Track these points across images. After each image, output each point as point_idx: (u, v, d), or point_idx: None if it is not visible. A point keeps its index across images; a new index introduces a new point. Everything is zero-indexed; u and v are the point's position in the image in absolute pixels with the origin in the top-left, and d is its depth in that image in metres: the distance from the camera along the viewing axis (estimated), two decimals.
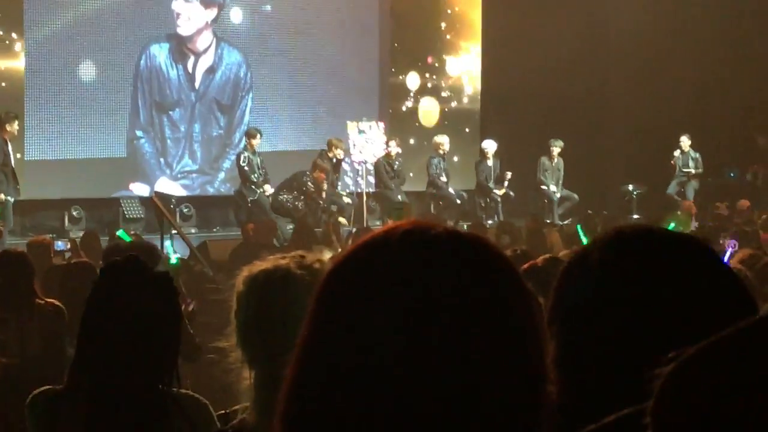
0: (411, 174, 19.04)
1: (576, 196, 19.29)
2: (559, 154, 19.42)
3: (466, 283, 1.31)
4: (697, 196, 19.26)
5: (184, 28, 18.40)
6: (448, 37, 21.89)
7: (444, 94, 21.78)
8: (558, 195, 19.12)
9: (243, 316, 2.64)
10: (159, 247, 8.34)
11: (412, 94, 21.33)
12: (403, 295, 1.29)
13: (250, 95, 19.21)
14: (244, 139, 17.48)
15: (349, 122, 18.31)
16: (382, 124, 18.78)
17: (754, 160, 20.76)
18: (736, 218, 15.35)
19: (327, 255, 9.41)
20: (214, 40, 18.79)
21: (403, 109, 21.19)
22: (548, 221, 17.36)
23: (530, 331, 1.33)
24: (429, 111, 20.61)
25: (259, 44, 19.26)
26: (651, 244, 1.62)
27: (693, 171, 19.51)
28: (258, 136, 16.86)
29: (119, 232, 12.64)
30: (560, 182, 19.42)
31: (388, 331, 1.28)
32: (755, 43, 20.09)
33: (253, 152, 16.69)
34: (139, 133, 18.11)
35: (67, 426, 2.94)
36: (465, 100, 22.06)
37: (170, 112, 18.45)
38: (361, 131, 18.33)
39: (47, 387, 3.05)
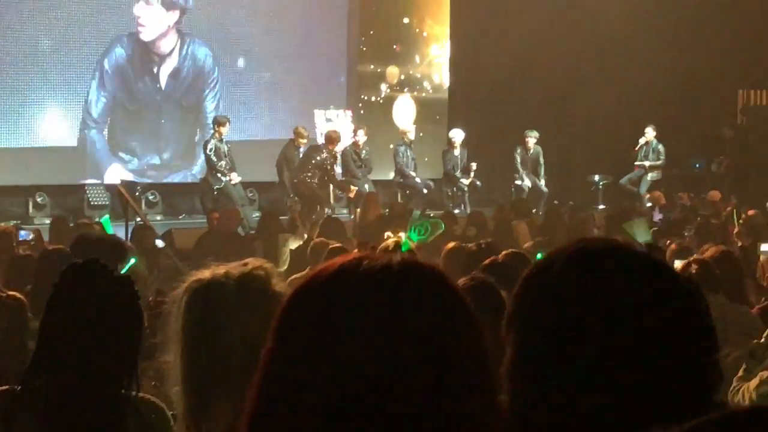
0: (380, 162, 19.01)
1: (545, 190, 19.23)
2: (536, 144, 19.37)
3: (420, 316, 1.37)
4: (660, 188, 19.30)
5: (145, 34, 18.26)
6: (416, 25, 21.84)
7: (412, 82, 21.76)
8: (528, 185, 18.99)
9: (183, 326, 2.62)
10: (125, 241, 8.27)
11: (383, 86, 21.29)
12: (361, 328, 1.35)
13: (218, 91, 19.09)
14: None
15: (316, 111, 18.29)
16: (349, 113, 18.76)
17: (721, 152, 20.89)
18: (702, 210, 15.41)
19: (294, 244, 9.38)
20: (179, 41, 18.65)
21: (372, 98, 21.14)
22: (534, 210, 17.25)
23: (479, 358, 1.42)
24: (405, 111, 20.50)
25: (225, 33, 19.14)
26: (612, 262, 1.62)
27: (648, 164, 19.53)
28: (227, 123, 16.72)
29: (103, 219, 12.54)
30: (541, 173, 19.38)
31: (348, 362, 1.33)
32: (722, 35, 20.18)
33: (221, 140, 16.59)
34: (93, 126, 18.00)
35: (23, 427, 2.92)
36: (433, 89, 22.04)
37: (134, 109, 18.35)
38: (328, 119, 18.31)
39: (3, 387, 3.03)
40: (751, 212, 13.14)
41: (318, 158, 16.95)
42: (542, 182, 19.19)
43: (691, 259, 6.09)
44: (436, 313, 1.40)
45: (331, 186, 17.68)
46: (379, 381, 1.34)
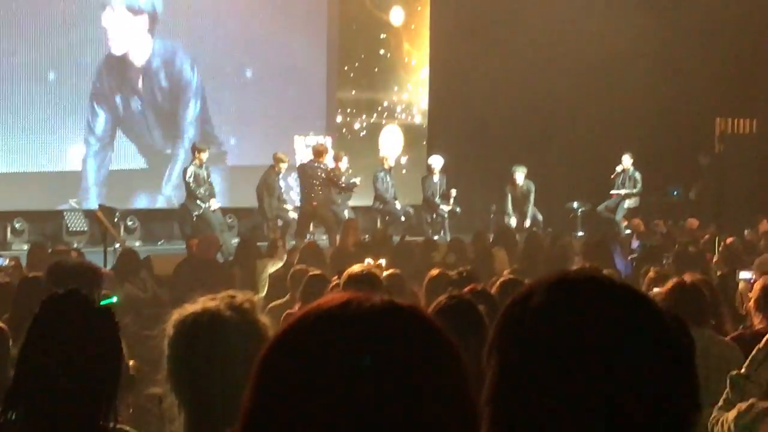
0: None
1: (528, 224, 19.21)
2: (526, 178, 19.28)
3: (404, 356, 1.40)
4: (638, 215, 19.37)
5: (115, 47, 18.27)
6: (396, 53, 21.93)
7: (392, 109, 21.82)
8: (513, 224, 18.91)
9: (173, 360, 2.62)
10: (100, 267, 8.22)
11: (363, 113, 21.36)
12: (344, 370, 1.36)
13: (198, 101, 19.10)
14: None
15: (296, 137, 18.30)
16: (329, 139, 18.78)
17: (697, 179, 21.01)
18: (679, 237, 15.45)
19: (272, 267, 9.35)
20: (153, 50, 18.63)
21: (352, 125, 21.20)
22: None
23: (462, 394, 1.45)
24: (393, 139, 20.51)
25: (204, 60, 19.16)
26: (592, 295, 1.63)
27: (623, 192, 19.57)
28: (206, 150, 16.70)
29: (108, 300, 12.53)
30: (529, 209, 19.21)
31: (331, 404, 1.35)
32: (699, 63, 20.31)
33: (200, 166, 16.56)
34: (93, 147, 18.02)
35: None
36: (412, 115, 22.10)
37: (121, 126, 18.36)
38: (308, 146, 18.32)
39: None
40: (729, 240, 13.19)
41: (314, 174, 17.24)
42: (528, 219, 19.09)
43: (674, 283, 6.06)
44: (422, 358, 1.42)
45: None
46: (365, 427, 1.35)
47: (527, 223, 18.92)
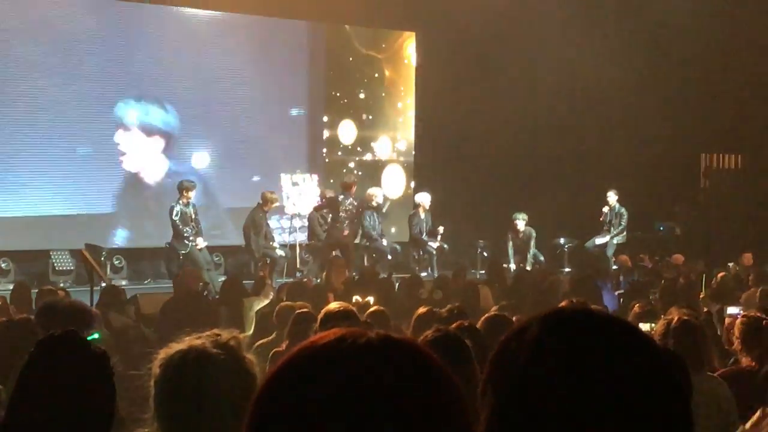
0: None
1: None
2: (527, 225, 19.28)
3: (403, 391, 1.38)
4: (625, 250, 19.40)
5: (128, 163, 18.49)
6: (383, 91, 22.02)
7: (378, 146, 21.89)
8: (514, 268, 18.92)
9: (160, 399, 2.61)
10: (91, 308, 8.18)
11: (346, 146, 21.43)
12: (340, 407, 1.34)
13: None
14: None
15: (282, 175, 18.31)
16: (315, 177, 18.80)
17: (675, 224, 21.19)
18: (665, 272, 15.47)
19: (258, 305, 9.29)
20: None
21: (338, 162, 21.25)
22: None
23: (461, 425, 1.44)
24: (395, 179, 20.52)
25: (189, 97, 19.19)
26: (587, 328, 1.62)
27: (609, 237, 19.54)
28: (193, 188, 16.67)
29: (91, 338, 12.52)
30: (528, 255, 19.23)
31: None
32: (684, 99, 20.46)
33: (187, 204, 16.53)
34: None
35: None
36: (399, 153, 22.17)
37: None
38: (294, 183, 18.32)
39: None
40: (721, 274, 13.21)
41: (345, 206, 17.79)
42: (529, 264, 19.09)
43: (666, 322, 6.06)
44: (421, 392, 1.41)
45: (298, 249, 17.78)
46: None
47: (528, 267, 18.89)
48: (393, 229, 19.85)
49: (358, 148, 21.64)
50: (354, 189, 18.15)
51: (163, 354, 2.67)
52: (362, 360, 1.39)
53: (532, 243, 19.20)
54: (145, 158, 18.84)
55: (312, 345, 1.43)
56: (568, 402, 1.54)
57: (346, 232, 17.79)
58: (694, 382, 5.41)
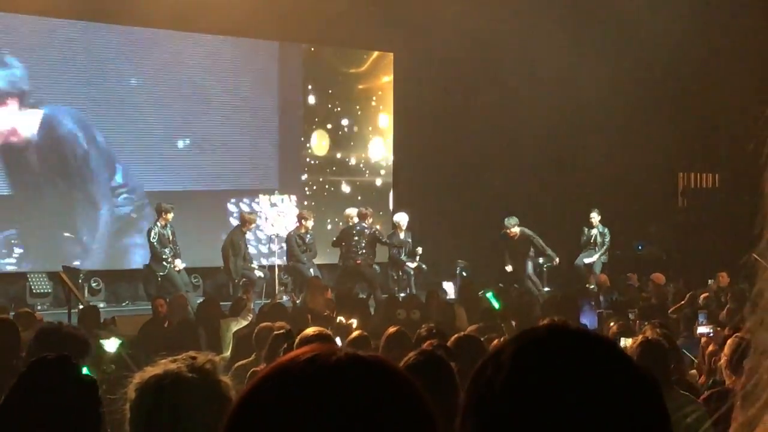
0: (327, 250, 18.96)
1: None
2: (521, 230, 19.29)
3: (372, 410, 1.38)
4: (605, 269, 19.48)
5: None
6: (361, 111, 22.06)
7: (356, 167, 21.91)
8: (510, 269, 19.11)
9: (135, 423, 2.59)
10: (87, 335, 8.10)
11: (324, 167, 21.44)
12: (311, 428, 1.34)
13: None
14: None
15: (261, 195, 18.30)
16: (294, 198, 18.79)
17: (651, 242, 21.28)
18: (644, 292, 15.51)
19: (235, 327, 9.25)
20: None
21: (317, 183, 21.26)
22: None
23: None
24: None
25: (166, 114, 19.17)
26: (563, 347, 1.61)
27: (599, 249, 19.62)
28: (171, 211, 16.62)
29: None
30: (529, 264, 19.34)
31: None
32: (662, 119, 20.56)
33: (165, 226, 16.49)
34: None
35: None
36: (376, 173, 22.19)
37: None
38: (273, 204, 18.32)
39: None
40: (704, 295, 13.24)
41: (361, 234, 18.07)
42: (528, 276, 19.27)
43: (641, 340, 6.08)
44: (391, 410, 1.40)
45: (276, 270, 17.77)
46: None
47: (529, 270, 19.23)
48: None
49: (335, 168, 21.64)
50: (369, 219, 18.40)
51: (138, 378, 2.65)
52: (331, 380, 1.38)
53: (537, 241, 19.22)
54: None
55: (282, 366, 1.42)
56: (550, 424, 1.53)
57: (358, 261, 18.01)
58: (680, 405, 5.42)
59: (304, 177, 21.16)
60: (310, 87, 21.28)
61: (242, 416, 1.39)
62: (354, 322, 10.72)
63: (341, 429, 1.34)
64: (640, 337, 6.19)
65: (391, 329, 7.21)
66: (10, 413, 2.94)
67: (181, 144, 19.46)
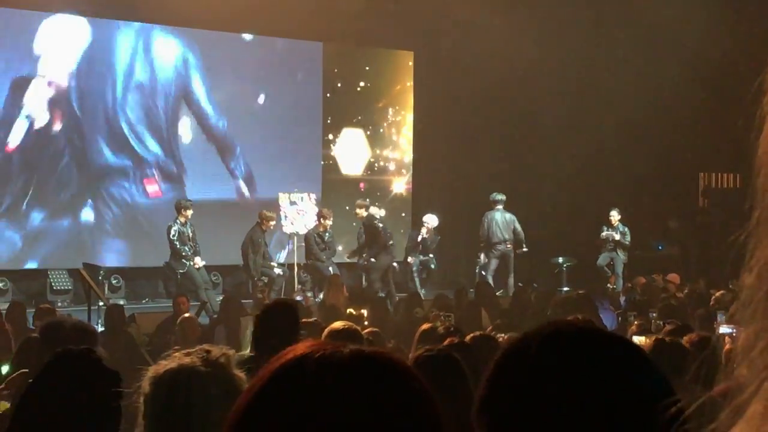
0: (340, 247, 18.96)
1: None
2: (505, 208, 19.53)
3: (375, 404, 1.37)
4: (626, 269, 19.46)
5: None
6: (382, 110, 22.05)
7: (376, 166, 21.91)
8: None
9: (149, 417, 2.59)
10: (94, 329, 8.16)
11: (344, 165, 21.46)
12: (317, 424, 1.33)
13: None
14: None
15: (281, 194, 18.30)
16: (314, 196, 18.79)
17: (670, 241, 21.15)
18: (663, 292, 15.48)
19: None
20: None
21: (335, 181, 21.28)
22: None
23: None
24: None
25: (184, 115, 19.24)
26: (588, 346, 1.61)
27: (618, 238, 19.59)
28: (190, 207, 16.65)
29: None
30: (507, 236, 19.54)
31: None
32: (683, 118, 20.49)
33: (184, 224, 16.51)
34: None
35: None
36: (398, 173, 22.19)
37: None
38: (292, 202, 18.31)
39: None
40: (719, 293, 13.20)
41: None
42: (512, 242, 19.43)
43: (659, 337, 6.07)
44: (394, 405, 1.39)
45: (296, 269, 17.82)
46: None
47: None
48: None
49: (357, 167, 21.65)
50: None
51: (152, 371, 2.65)
52: (336, 377, 1.38)
53: (517, 226, 19.38)
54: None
55: (285, 362, 1.41)
56: (570, 421, 1.53)
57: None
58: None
59: (323, 176, 21.15)
60: (328, 85, 21.27)
61: (245, 412, 1.40)
62: (364, 312, 10.72)
63: (346, 426, 1.34)
64: (654, 337, 6.19)
65: (425, 326, 7.21)
66: (35, 403, 2.95)
67: (196, 143, 19.53)
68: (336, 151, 21.18)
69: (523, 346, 1.63)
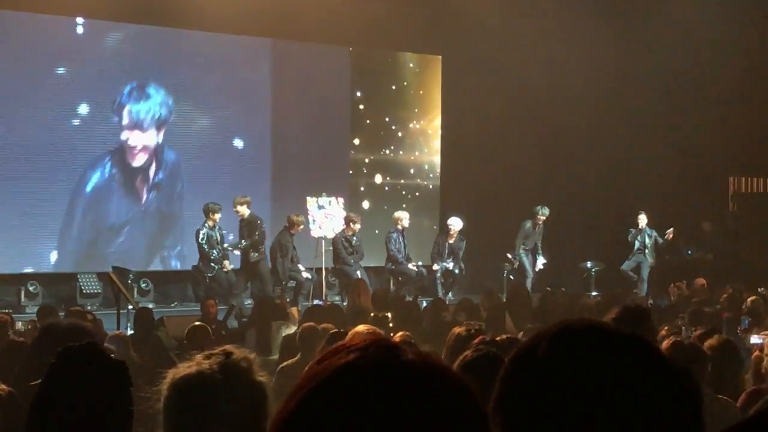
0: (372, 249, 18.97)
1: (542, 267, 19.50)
2: (544, 222, 19.67)
3: (432, 417, 1.37)
4: (653, 274, 19.38)
5: (138, 159, 18.54)
6: (409, 115, 22.05)
7: (404, 170, 21.91)
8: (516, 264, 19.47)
9: (169, 421, 2.60)
10: (92, 331, 8.19)
11: (372, 169, 21.47)
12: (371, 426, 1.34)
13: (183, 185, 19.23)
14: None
15: (308, 197, 18.33)
16: (341, 200, 18.81)
17: (702, 245, 21.02)
18: (694, 297, 15.38)
19: (286, 331, 9.27)
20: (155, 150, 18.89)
21: (362, 186, 21.30)
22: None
23: None
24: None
25: (214, 121, 19.29)
26: (598, 342, 1.62)
27: (648, 252, 19.52)
28: (218, 211, 16.68)
29: None
30: (539, 249, 19.67)
31: None
32: (712, 122, 20.39)
33: (213, 227, 16.57)
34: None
35: None
36: (425, 176, 22.18)
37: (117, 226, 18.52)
38: (320, 206, 18.34)
39: None
40: (751, 299, 13.13)
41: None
42: (540, 262, 19.43)
43: (677, 340, 6.06)
44: (449, 416, 1.40)
45: (324, 273, 17.86)
46: None
47: (539, 265, 19.56)
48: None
49: (382, 171, 21.65)
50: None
51: (171, 375, 2.66)
52: (398, 381, 1.38)
53: (539, 244, 19.59)
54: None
55: (348, 364, 1.41)
56: (580, 416, 1.54)
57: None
58: (712, 405, 5.38)
59: (352, 179, 21.18)
60: (357, 89, 21.29)
61: (304, 415, 1.38)
62: (389, 314, 10.72)
63: (401, 428, 1.34)
64: (672, 339, 6.18)
65: (458, 329, 7.19)
66: (46, 403, 2.98)
67: (240, 143, 19.62)
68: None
69: (533, 345, 1.64)
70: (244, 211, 17.03)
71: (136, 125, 18.50)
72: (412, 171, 22.08)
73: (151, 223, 18.76)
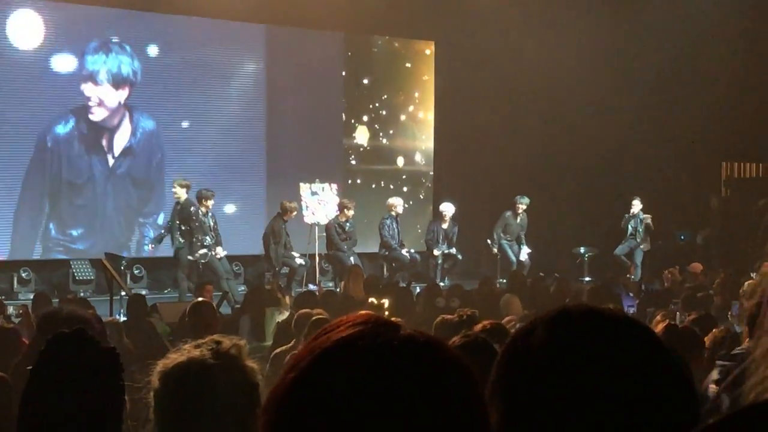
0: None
1: (526, 258, 19.45)
2: (524, 211, 19.65)
3: (436, 389, 1.38)
4: (646, 259, 19.40)
5: (97, 114, 18.36)
6: (403, 99, 22.03)
7: (397, 156, 21.90)
8: (514, 254, 19.42)
9: (160, 412, 2.59)
10: (93, 319, 8.18)
11: (365, 155, 21.45)
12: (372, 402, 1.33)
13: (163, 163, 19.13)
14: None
15: (301, 184, 18.31)
16: (335, 186, 18.79)
17: (707, 222, 20.99)
18: (687, 282, 15.39)
19: (279, 317, 9.28)
20: (127, 113, 18.74)
21: (357, 171, 21.29)
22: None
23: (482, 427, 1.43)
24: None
25: (201, 102, 19.25)
26: (595, 327, 1.62)
27: (639, 238, 19.55)
28: (211, 197, 16.63)
29: None
30: (522, 239, 19.64)
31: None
32: (705, 107, 20.39)
33: (206, 214, 16.53)
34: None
35: None
36: (418, 162, 22.18)
37: (80, 184, 18.32)
38: (313, 193, 18.33)
39: None
40: (748, 283, 13.12)
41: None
42: (524, 252, 19.42)
43: (671, 323, 6.08)
44: (445, 387, 1.40)
45: (317, 259, 17.86)
46: None
47: (525, 257, 19.50)
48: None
49: (378, 157, 21.65)
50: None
51: (161, 366, 2.65)
52: (396, 357, 1.38)
53: (524, 229, 19.63)
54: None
55: (346, 339, 1.41)
56: (581, 402, 1.54)
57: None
58: None
59: (345, 166, 21.18)
60: (350, 75, 21.27)
61: (304, 386, 1.38)
62: (386, 301, 10.72)
63: (403, 406, 1.34)
64: (666, 322, 6.20)
65: (439, 319, 7.20)
66: (37, 392, 2.97)
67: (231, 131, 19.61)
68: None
69: (530, 329, 1.64)
70: (182, 194, 16.50)
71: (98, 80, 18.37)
72: (405, 157, 22.07)
73: (120, 185, 18.64)
